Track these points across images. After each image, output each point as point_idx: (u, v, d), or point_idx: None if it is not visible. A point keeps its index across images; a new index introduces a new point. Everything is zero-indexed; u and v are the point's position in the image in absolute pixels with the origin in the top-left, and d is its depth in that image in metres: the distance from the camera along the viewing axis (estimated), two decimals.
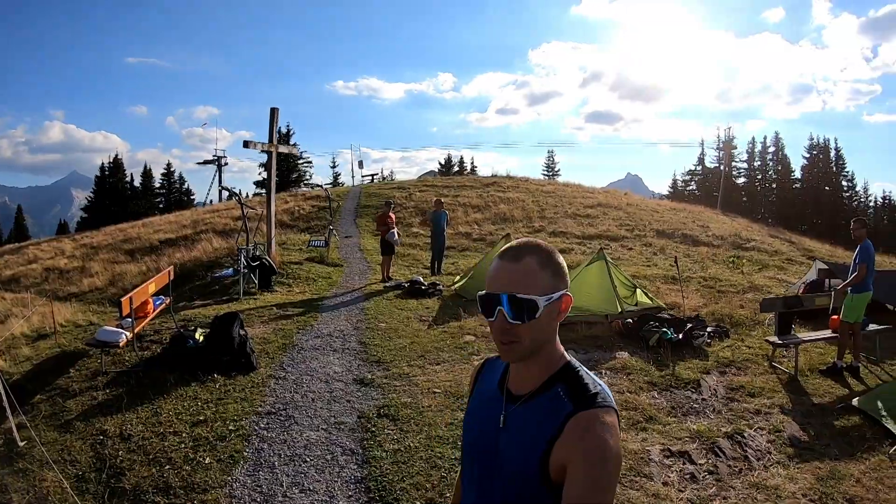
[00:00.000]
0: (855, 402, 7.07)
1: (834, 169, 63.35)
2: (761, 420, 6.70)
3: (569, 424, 1.47)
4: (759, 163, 66.08)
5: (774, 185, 64.36)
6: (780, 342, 8.73)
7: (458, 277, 14.63)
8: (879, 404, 6.76)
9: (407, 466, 5.21)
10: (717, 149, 64.98)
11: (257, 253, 13.16)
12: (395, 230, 15.04)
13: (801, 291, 13.00)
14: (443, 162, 71.89)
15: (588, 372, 1.61)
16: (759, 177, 65.84)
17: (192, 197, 65.19)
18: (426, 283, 13.46)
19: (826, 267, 13.78)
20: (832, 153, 64.34)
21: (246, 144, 14.17)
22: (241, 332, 7.75)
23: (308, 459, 5.28)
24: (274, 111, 15.06)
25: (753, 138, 65.30)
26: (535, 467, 1.51)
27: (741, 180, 64.95)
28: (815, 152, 63.78)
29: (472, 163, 74.21)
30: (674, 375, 7.94)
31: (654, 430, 6.26)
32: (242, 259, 12.14)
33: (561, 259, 1.62)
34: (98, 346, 7.58)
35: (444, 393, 7.09)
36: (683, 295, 13.14)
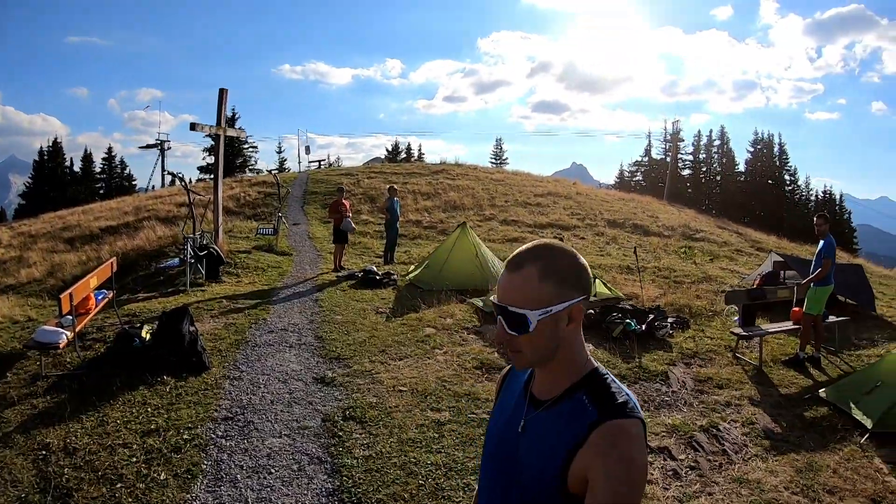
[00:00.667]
0: (822, 392, 7.32)
1: (777, 163, 65.03)
2: (733, 412, 6.80)
3: (593, 434, 1.43)
4: (704, 155, 67.42)
5: (719, 178, 65.79)
6: (745, 334, 8.84)
7: (412, 267, 14.34)
8: (846, 396, 6.97)
9: (381, 475, 4.93)
10: (665, 141, 66.02)
11: (204, 242, 12.52)
12: (350, 218, 14.62)
13: (756, 283, 13.25)
14: (390, 149, 71.21)
15: (615, 380, 1.56)
16: (704, 169, 67.23)
17: (133, 182, 62.92)
18: (381, 273, 13.11)
19: (781, 259, 14.01)
20: (776, 148, 66.02)
21: (193, 127, 13.44)
22: (191, 329, 7.25)
23: (273, 471, 4.92)
24: (223, 92, 14.33)
25: (699, 131, 66.78)
26: (553, 476, 1.47)
27: (686, 172, 66.13)
28: (759, 147, 65.42)
29: (420, 150, 73.74)
30: (641, 368, 8.02)
31: None
32: (189, 248, 11.50)
33: (573, 263, 1.54)
34: (37, 347, 6.98)
35: (411, 391, 6.84)
36: (641, 285, 13.19)
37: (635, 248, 14.69)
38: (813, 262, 8.92)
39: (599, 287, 12.13)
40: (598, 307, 10.64)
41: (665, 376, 7.84)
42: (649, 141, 69.38)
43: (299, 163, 47.19)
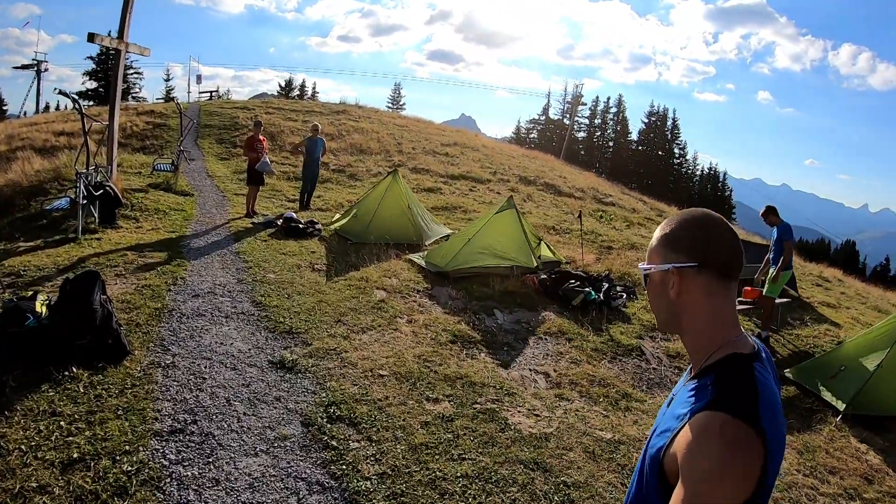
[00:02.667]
0: (786, 372, 7.72)
1: (669, 136, 67.89)
2: None
3: (690, 421, 1.31)
4: (599, 121, 69.08)
5: (612, 143, 67.54)
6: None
7: (337, 215, 12.75)
8: (813, 378, 7.47)
9: (411, 500, 3.70)
10: (566, 102, 66.80)
11: (98, 179, 10.27)
12: (268, 157, 12.72)
13: None
14: (283, 84, 67.41)
15: (760, 370, 1.38)
16: (599, 134, 68.67)
17: (4, 108, 56.50)
18: (303, 222, 11.47)
19: None
20: (669, 122, 68.88)
21: (91, 38, 10.78)
22: (103, 299, 5.38)
23: None
24: None
25: (598, 97, 68.76)
26: (658, 455, 1.40)
27: (581, 135, 67.32)
28: (653, 119, 68.08)
29: (315, 88, 70.36)
30: (613, 341, 7.79)
31: (637, 409, 6.05)
32: (82, 186, 9.14)
33: (688, 227, 1.46)
34: None
35: (394, 376, 5.60)
36: (582, 250, 12.42)
37: (580, 213, 13.83)
38: (772, 248, 9.13)
39: (544, 250, 11.25)
40: (554, 273, 9.83)
41: (640, 351, 7.70)
42: (548, 101, 70.30)
43: (189, 93, 43.06)
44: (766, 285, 9.03)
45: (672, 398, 1.53)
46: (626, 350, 7.61)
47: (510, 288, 9.20)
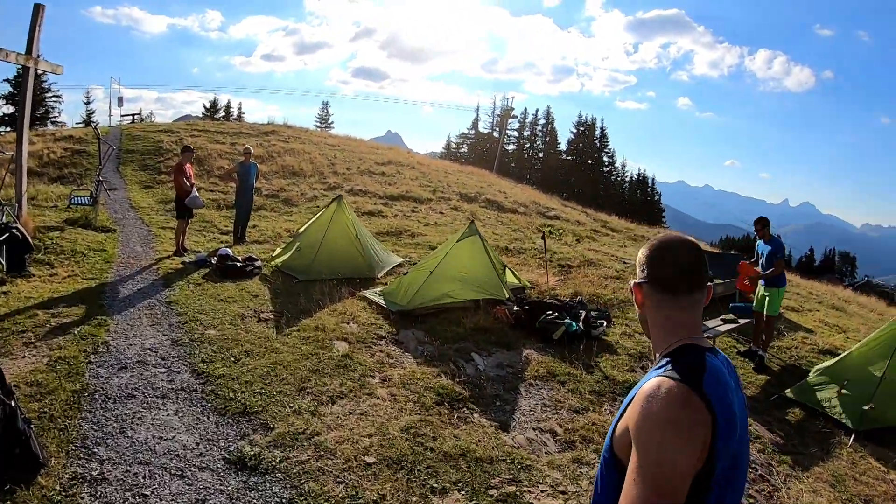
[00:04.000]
0: (788, 393, 7.48)
1: (598, 145, 68.94)
2: None
3: (638, 391, 1.43)
4: (528, 133, 69.40)
5: (541, 155, 67.77)
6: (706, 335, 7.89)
7: (277, 249, 11.54)
8: (817, 396, 7.22)
9: None
10: (495, 115, 67.08)
11: (4, 219, 8.71)
12: (195, 189, 11.38)
13: None
14: (208, 105, 64.75)
15: (712, 358, 1.52)
16: (528, 145, 68.85)
17: None
18: (241, 259, 10.25)
19: None
20: (597, 131, 69.94)
21: None
22: (4, 393, 3.97)
23: None
24: (38, 9, 9.64)
25: (526, 109, 69.05)
26: (610, 437, 1.50)
27: (511, 147, 67.42)
28: (581, 128, 69.26)
29: (240, 108, 67.98)
30: (609, 379, 7.10)
31: None
32: None
33: (647, 249, 1.68)
34: None
35: (384, 462, 4.57)
36: (547, 273, 11.67)
37: (544, 234, 13.06)
38: (763, 263, 8.66)
39: (509, 276, 10.43)
40: (526, 303, 9.05)
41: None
42: (477, 114, 70.36)
43: (110, 116, 40.14)
44: (767, 304, 8.56)
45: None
46: (625, 388, 6.90)
47: (482, 323, 8.33)
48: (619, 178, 69.40)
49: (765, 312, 8.61)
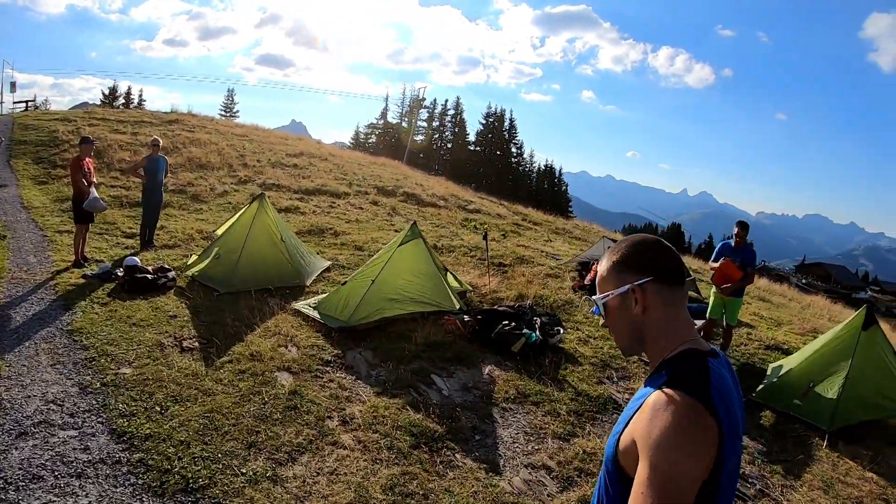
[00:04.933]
0: (753, 396, 7.38)
1: (507, 136, 68.91)
2: None
3: (646, 401, 1.39)
4: (437, 123, 68.58)
5: (450, 145, 67.08)
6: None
7: (193, 256, 10.20)
8: (784, 398, 7.21)
9: None
10: (404, 105, 66.48)
11: None
12: (94, 189, 9.87)
13: (593, 267, 11.82)
14: (106, 92, 60.26)
15: (714, 363, 1.47)
16: (437, 136, 68.06)
17: None
18: (151, 270, 8.94)
19: (613, 243, 12.75)
20: (506, 122, 70.20)
21: None
22: None
23: None
24: None
25: (435, 100, 68.54)
26: (613, 448, 1.44)
27: (420, 138, 66.21)
28: (490, 120, 69.04)
29: (141, 96, 63.67)
30: (584, 396, 6.65)
31: None
32: None
33: (632, 245, 1.58)
34: None
35: None
36: (489, 276, 10.97)
37: (486, 233, 12.28)
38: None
39: (451, 280, 9.65)
40: (479, 313, 8.32)
41: (613, 402, 6.66)
42: (387, 104, 68.96)
43: (1, 104, 36.20)
44: (728, 313, 8.29)
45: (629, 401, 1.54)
46: (600, 404, 6.53)
47: (433, 337, 7.54)
48: (527, 169, 70.14)
49: (724, 321, 8.29)
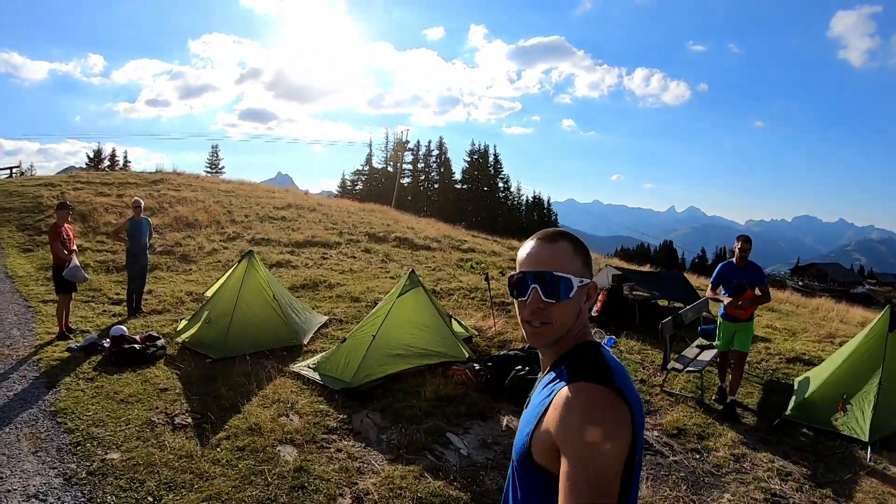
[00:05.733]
0: (788, 414, 7.07)
1: (492, 172, 69.40)
2: (757, 468, 5.84)
3: (555, 398, 1.39)
4: (422, 165, 68.88)
5: (437, 185, 67.15)
6: (692, 368, 7.83)
7: (182, 322, 9.71)
8: (820, 415, 6.89)
9: None
10: (388, 150, 66.76)
11: None
12: (75, 257, 9.41)
13: (599, 299, 11.50)
14: (91, 155, 60.40)
15: (607, 352, 1.51)
16: (423, 177, 68.17)
17: None
18: (139, 339, 8.45)
19: (619, 272, 12.84)
20: (491, 158, 70.64)
21: None
22: None
23: None
24: None
25: (419, 141, 68.88)
26: (523, 445, 1.44)
27: (406, 180, 66.16)
28: (475, 157, 69.57)
29: (126, 157, 63.74)
30: None
31: None
32: None
33: (587, 248, 1.59)
34: None
35: None
36: (494, 318, 10.55)
37: (486, 273, 11.92)
38: (731, 286, 7.33)
39: (455, 326, 9.22)
40: (488, 360, 7.95)
41: (646, 443, 6.19)
42: (370, 150, 69.30)
43: None
44: (738, 339, 7.30)
45: (528, 400, 1.58)
46: None
47: (443, 391, 7.08)
48: (515, 203, 70.39)
49: (735, 348, 7.38)
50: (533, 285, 1.49)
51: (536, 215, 70.39)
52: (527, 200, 72.39)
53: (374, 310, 8.52)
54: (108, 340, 8.34)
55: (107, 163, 59.95)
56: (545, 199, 73.31)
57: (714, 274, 7.62)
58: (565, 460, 1.27)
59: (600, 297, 11.55)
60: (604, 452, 1.25)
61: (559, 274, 1.47)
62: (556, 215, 72.96)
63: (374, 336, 7.62)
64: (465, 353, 8.16)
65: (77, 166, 51.55)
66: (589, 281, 1.53)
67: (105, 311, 10.78)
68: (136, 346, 8.15)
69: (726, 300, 7.26)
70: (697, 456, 6.07)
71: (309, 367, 7.83)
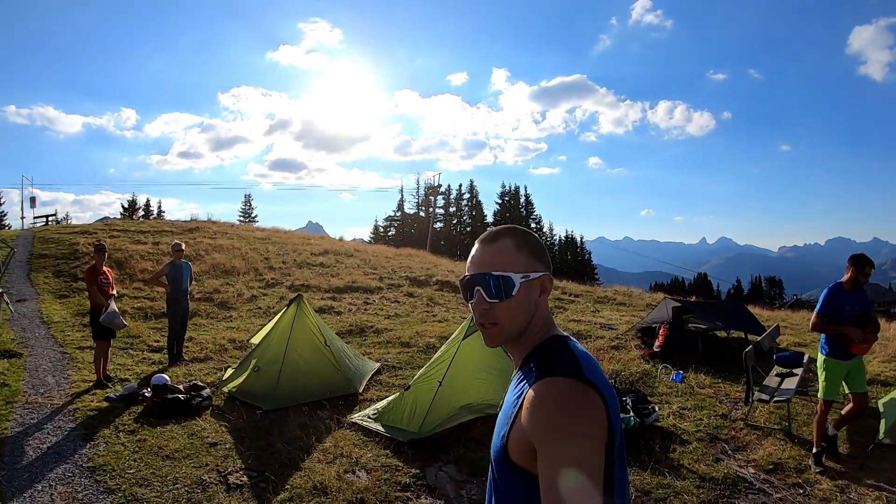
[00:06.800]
0: (883, 437, 6.58)
1: (524, 213, 68.93)
2: (853, 494, 5.40)
3: (526, 396, 1.36)
4: (454, 209, 68.85)
5: (469, 229, 66.79)
6: (779, 398, 7.36)
7: (229, 370, 9.00)
8: None
9: None
10: (420, 194, 66.97)
11: None
12: (113, 302, 8.82)
13: (661, 332, 10.88)
14: (126, 205, 61.39)
15: (575, 343, 1.48)
16: (455, 221, 67.97)
17: None
18: (183, 388, 7.75)
19: (678, 304, 11.97)
20: (522, 199, 70.55)
21: None
22: None
23: None
24: None
25: (449, 186, 68.62)
26: (502, 448, 1.41)
27: (438, 225, 65.95)
28: (506, 198, 69.27)
29: (160, 207, 64.60)
30: (707, 479, 5.67)
31: None
32: None
33: (538, 240, 1.56)
34: None
35: None
36: None
37: None
38: (856, 314, 5.91)
39: None
40: None
41: (745, 482, 5.68)
42: (402, 195, 69.49)
43: (22, 218, 35.64)
44: (859, 377, 6.04)
45: (502, 402, 1.55)
46: (730, 486, 5.58)
47: None
48: (548, 242, 69.79)
49: (854, 391, 6.10)
50: (476, 287, 1.48)
51: (570, 254, 69.49)
52: (560, 240, 71.71)
53: (437, 354, 7.72)
54: (149, 390, 7.68)
55: (141, 212, 60.74)
56: (578, 237, 72.57)
57: (822, 301, 6.12)
58: (543, 459, 1.25)
59: (662, 331, 10.86)
60: (582, 447, 1.22)
61: (498, 273, 1.46)
62: (589, 253, 71.94)
63: (440, 383, 6.85)
64: None
65: (111, 217, 52.05)
66: (537, 274, 1.48)
67: (144, 358, 10.12)
68: (180, 395, 7.46)
69: (853, 333, 5.87)
70: (801, 491, 5.56)
71: (369, 418, 7.06)
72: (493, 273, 1.45)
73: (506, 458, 1.37)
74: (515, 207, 68.81)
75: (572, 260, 67.71)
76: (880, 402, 7.62)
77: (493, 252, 1.48)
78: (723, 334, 12.31)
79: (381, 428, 6.68)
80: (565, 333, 1.50)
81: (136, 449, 6.02)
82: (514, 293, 1.44)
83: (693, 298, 22.15)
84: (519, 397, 1.38)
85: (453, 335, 7.93)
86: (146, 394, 7.65)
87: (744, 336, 11.65)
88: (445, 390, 6.81)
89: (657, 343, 10.68)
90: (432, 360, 7.68)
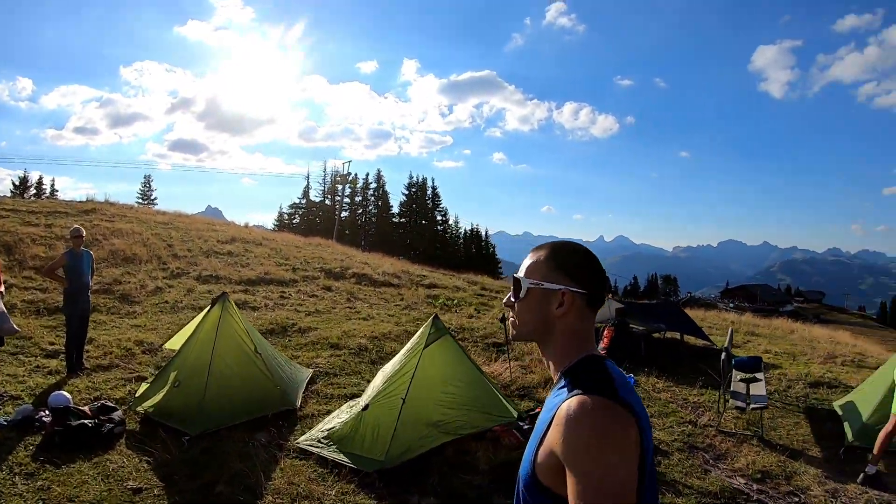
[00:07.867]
0: (853, 441, 6.69)
1: (430, 205, 68.24)
2: (844, 498, 5.50)
3: (557, 413, 1.29)
4: (360, 198, 67.19)
5: (374, 219, 65.36)
6: (755, 405, 7.27)
7: (142, 385, 7.57)
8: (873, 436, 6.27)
9: None
10: (327, 183, 64.67)
11: None
12: (0, 302, 7.22)
13: (605, 334, 10.61)
14: (17, 182, 56.07)
15: (611, 365, 1.40)
16: (360, 211, 66.76)
17: None
18: (89, 410, 6.36)
19: (622, 306, 11.81)
20: (429, 191, 69.72)
21: None
22: None
23: None
24: None
25: (356, 174, 66.71)
26: (530, 465, 1.34)
27: (344, 214, 63.92)
28: (413, 190, 68.52)
29: (53, 185, 59.20)
30: (702, 493, 5.52)
31: None
32: None
33: (579, 257, 1.49)
34: None
35: None
36: (510, 367, 9.11)
37: (503, 316, 10.52)
38: None
39: None
40: (526, 415, 6.89)
41: (742, 494, 5.59)
42: (308, 183, 67.26)
43: None
44: None
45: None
46: (729, 499, 5.50)
47: (499, 457, 5.79)
48: (453, 235, 69.49)
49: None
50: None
51: (475, 247, 69.65)
52: (465, 233, 71.73)
53: (394, 367, 6.69)
54: (47, 413, 6.22)
55: (33, 191, 55.82)
56: (483, 231, 72.83)
57: None
58: (572, 480, 1.18)
59: (606, 332, 10.55)
60: (614, 469, 1.16)
61: (517, 276, 1.51)
62: (493, 247, 72.43)
63: (403, 399, 5.90)
64: (515, 414, 6.54)
65: (1, 195, 47.28)
66: (553, 285, 1.45)
67: (38, 366, 8.40)
68: (86, 422, 6.04)
69: None
70: (797, 499, 5.59)
71: (320, 442, 6.01)
72: (516, 276, 1.51)
73: (533, 477, 1.31)
74: (422, 199, 68.18)
75: (477, 253, 67.95)
76: (836, 405, 7.91)
77: (528, 259, 1.53)
78: (658, 335, 12.21)
79: (340, 456, 5.64)
80: (602, 354, 1.45)
81: (35, 498, 4.68)
82: (521, 296, 1.48)
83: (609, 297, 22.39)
84: (552, 413, 1.31)
85: (411, 343, 6.91)
86: (44, 418, 6.20)
87: (679, 337, 11.82)
88: (410, 408, 5.88)
89: (602, 344, 10.28)
90: (388, 371, 6.66)
